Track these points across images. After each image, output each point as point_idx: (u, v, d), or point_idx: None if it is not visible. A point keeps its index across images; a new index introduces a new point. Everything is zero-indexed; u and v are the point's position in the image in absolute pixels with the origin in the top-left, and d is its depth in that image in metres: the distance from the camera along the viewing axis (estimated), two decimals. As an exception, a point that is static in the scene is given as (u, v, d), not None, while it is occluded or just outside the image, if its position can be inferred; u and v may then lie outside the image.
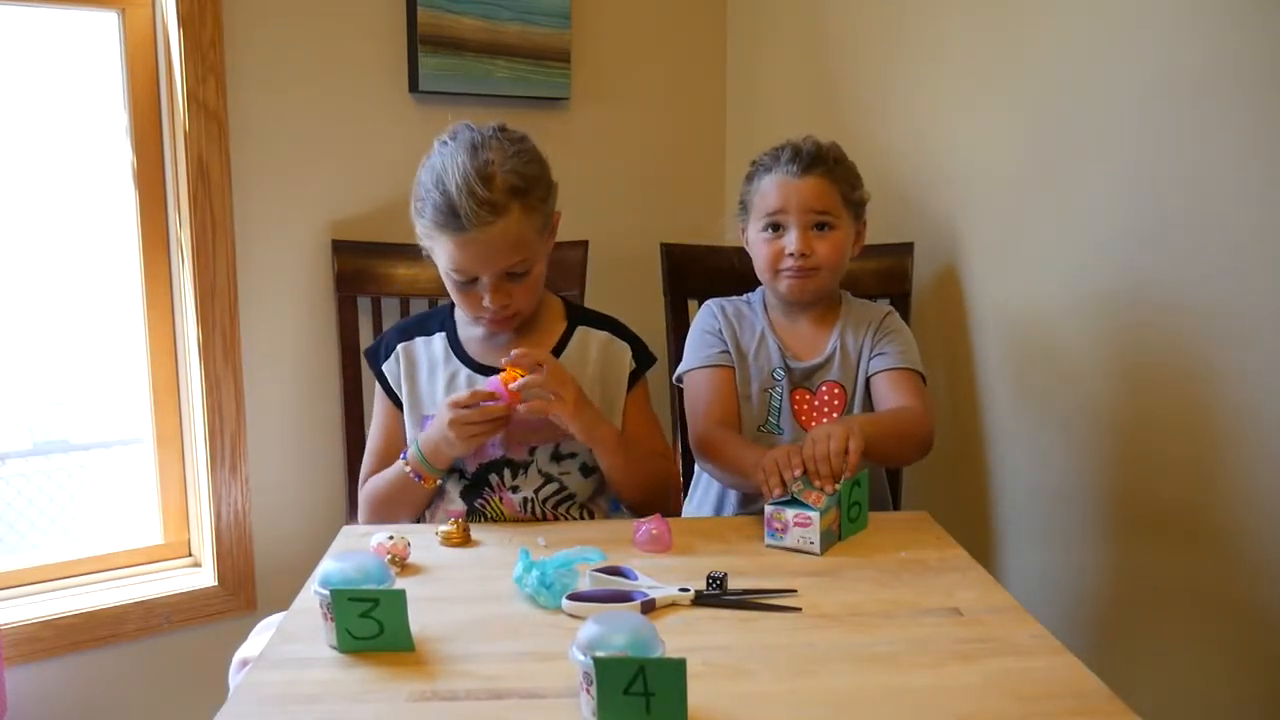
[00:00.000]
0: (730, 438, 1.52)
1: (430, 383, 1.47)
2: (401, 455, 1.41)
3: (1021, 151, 1.77)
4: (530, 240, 1.36)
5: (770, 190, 1.55)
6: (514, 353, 1.32)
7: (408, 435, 1.46)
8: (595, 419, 1.38)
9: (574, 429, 1.35)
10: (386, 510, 1.44)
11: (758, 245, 1.58)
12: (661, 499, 1.46)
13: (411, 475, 1.39)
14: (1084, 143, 1.66)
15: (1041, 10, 1.71)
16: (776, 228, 1.55)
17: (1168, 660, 1.62)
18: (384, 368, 1.49)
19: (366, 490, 1.47)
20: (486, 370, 1.44)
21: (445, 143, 1.36)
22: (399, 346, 1.49)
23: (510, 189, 1.32)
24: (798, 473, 1.29)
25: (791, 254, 1.53)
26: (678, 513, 1.53)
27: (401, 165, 1.94)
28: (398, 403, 1.48)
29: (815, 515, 1.26)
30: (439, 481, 1.42)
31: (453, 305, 1.49)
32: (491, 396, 1.31)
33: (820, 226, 1.54)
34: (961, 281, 1.91)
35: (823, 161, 1.54)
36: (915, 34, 1.94)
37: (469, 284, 1.38)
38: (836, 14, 2.12)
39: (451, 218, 1.31)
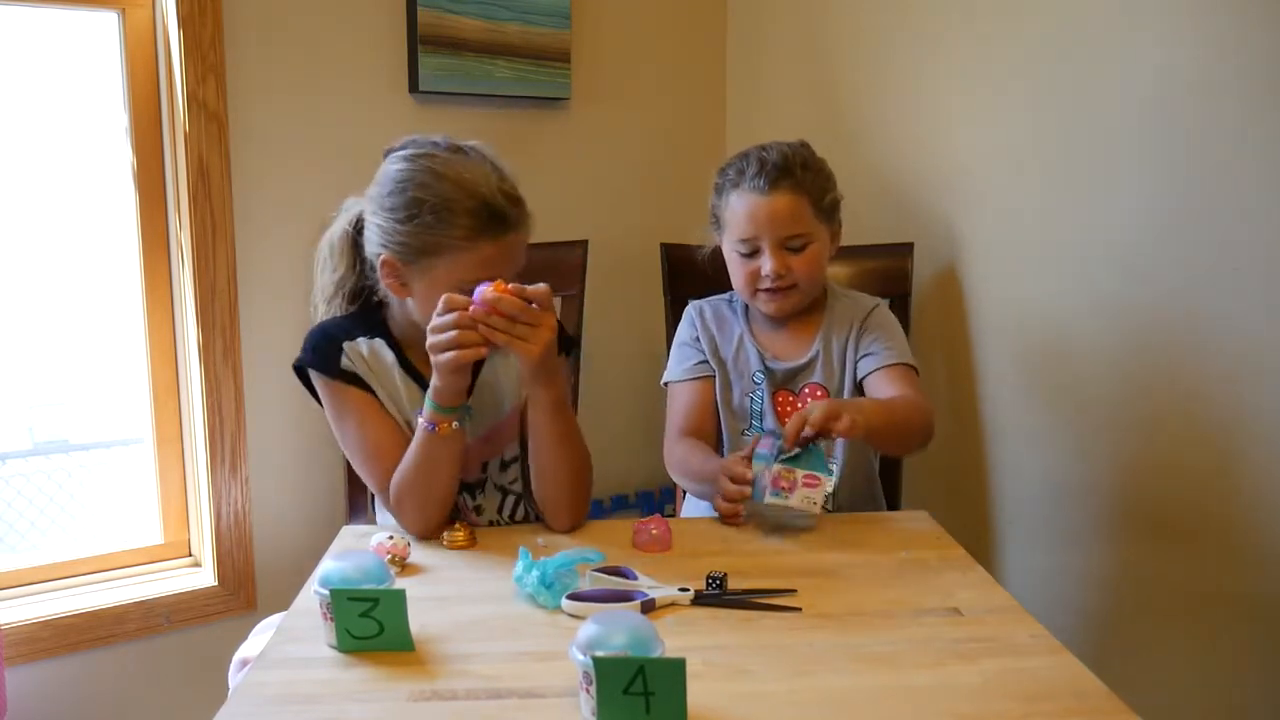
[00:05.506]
0: (693, 449, 1.52)
1: (393, 385, 1.39)
2: (415, 416, 1.34)
3: (1022, 151, 1.77)
4: None
5: (740, 210, 1.52)
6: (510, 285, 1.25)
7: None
8: (555, 371, 1.31)
9: (528, 370, 1.28)
10: (421, 488, 1.33)
11: (734, 264, 1.57)
12: (579, 494, 1.38)
13: (427, 426, 1.30)
14: (1085, 142, 1.66)
15: (1042, 9, 1.71)
16: (750, 249, 1.54)
17: (1168, 660, 1.62)
18: (344, 368, 1.39)
19: (394, 483, 1.34)
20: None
21: (429, 154, 1.32)
22: (345, 346, 1.39)
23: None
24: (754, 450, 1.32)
25: (767, 274, 1.52)
26: (586, 510, 1.42)
27: (401, 165, 1.95)
28: (373, 395, 1.39)
29: (826, 478, 1.28)
30: (454, 424, 1.30)
31: (379, 307, 1.42)
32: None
33: (794, 246, 1.52)
34: (962, 282, 1.91)
35: (789, 173, 1.49)
36: (915, 34, 1.94)
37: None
38: (836, 14, 2.12)
39: (494, 221, 1.29)
